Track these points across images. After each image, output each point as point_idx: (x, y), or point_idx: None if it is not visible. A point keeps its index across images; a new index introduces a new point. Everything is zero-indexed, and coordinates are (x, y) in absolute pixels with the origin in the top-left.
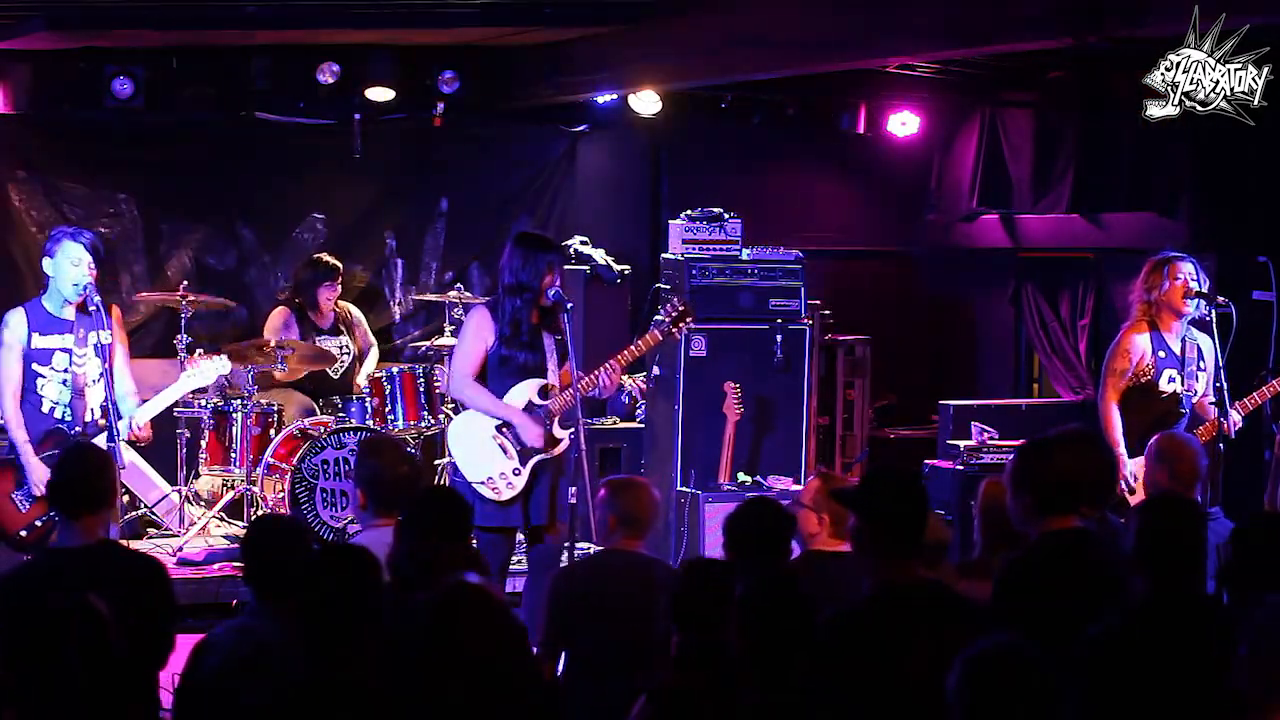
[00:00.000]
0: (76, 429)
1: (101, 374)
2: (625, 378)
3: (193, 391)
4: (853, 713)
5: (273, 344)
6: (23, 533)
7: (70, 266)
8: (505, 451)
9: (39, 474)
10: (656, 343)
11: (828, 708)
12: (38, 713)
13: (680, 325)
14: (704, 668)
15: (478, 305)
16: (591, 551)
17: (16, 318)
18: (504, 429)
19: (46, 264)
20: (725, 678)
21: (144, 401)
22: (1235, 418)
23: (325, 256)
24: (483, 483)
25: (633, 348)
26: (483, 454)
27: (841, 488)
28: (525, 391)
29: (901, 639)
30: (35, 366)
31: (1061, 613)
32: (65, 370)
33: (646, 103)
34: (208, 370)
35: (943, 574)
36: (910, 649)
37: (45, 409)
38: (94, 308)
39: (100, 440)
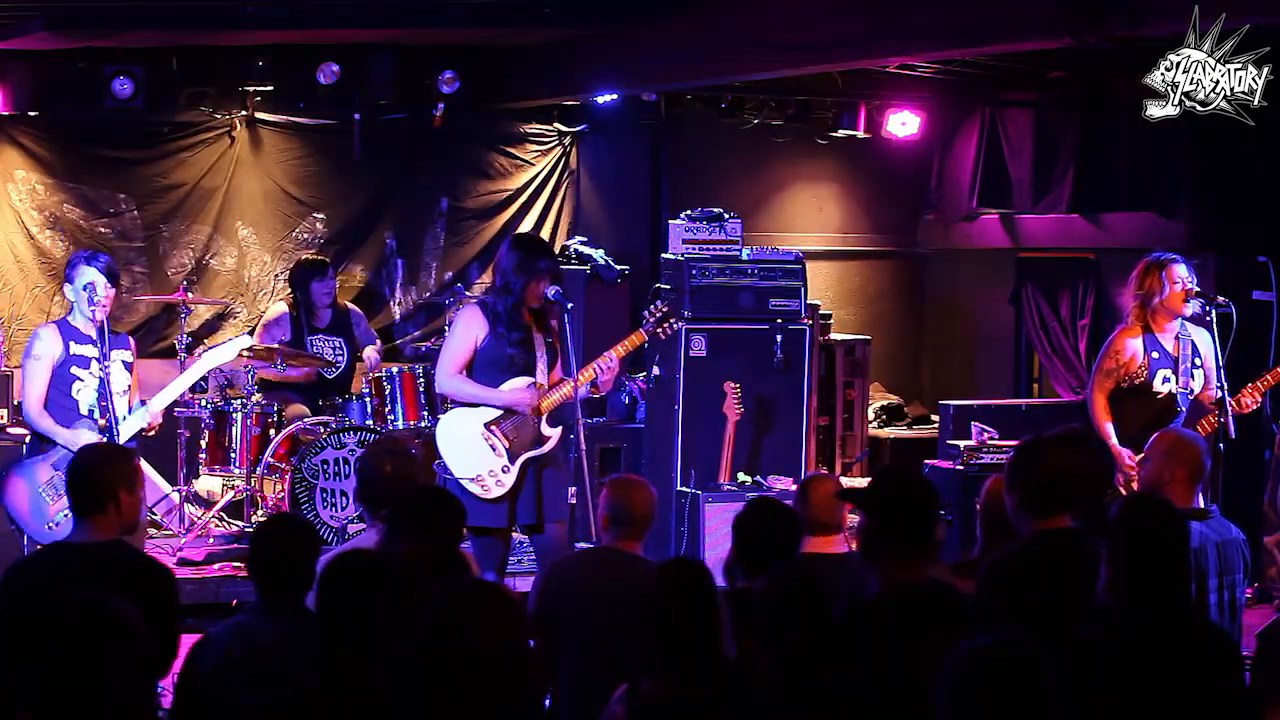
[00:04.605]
0: (102, 422)
1: (126, 389)
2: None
3: (193, 391)
4: (864, 710)
5: (260, 347)
6: (50, 525)
7: (81, 290)
8: (494, 449)
9: (84, 438)
10: (642, 341)
11: (841, 705)
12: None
13: (664, 326)
14: (684, 674)
15: (470, 302)
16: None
17: (49, 332)
18: (494, 425)
19: (66, 289)
20: (708, 684)
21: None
22: (1250, 400)
23: (312, 254)
24: (471, 480)
25: (618, 347)
26: (471, 451)
27: (832, 490)
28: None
29: (911, 639)
30: (75, 370)
31: (1047, 612)
32: (97, 377)
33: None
34: (228, 349)
35: (937, 573)
36: (919, 649)
37: (84, 411)
38: (109, 332)
39: None
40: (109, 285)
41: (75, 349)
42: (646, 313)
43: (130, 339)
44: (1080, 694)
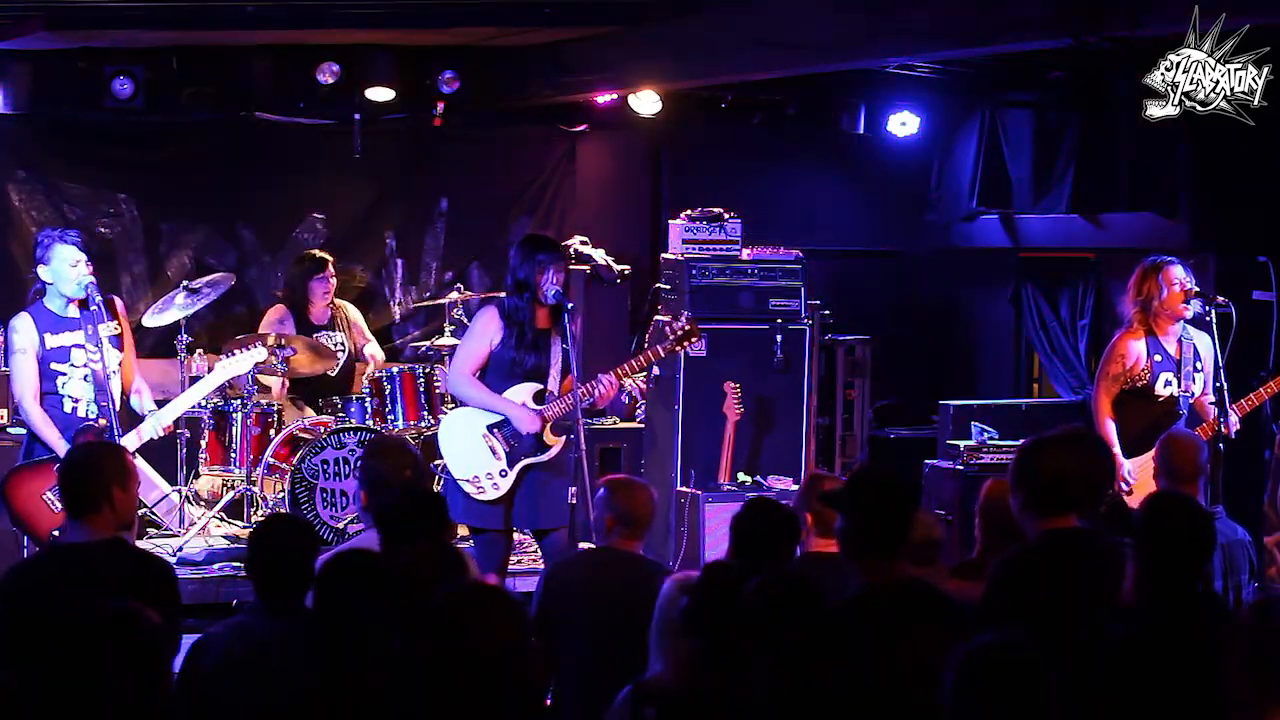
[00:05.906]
0: (102, 421)
1: (119, 366)
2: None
3: None
4: (840, 710)
5: (272, 338)
6: (55, 532)
7: (69, 268)
8: (494, 452)
9: None
10: (657, 359)
11: (820, 704)
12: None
13: (684, 345)
14: (715, 671)
15: (488, 304)
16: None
17: (24, 322)
18: (496, 429)
19: (42, 271)
20: (732, 681)
21: (161, 402)
22: (1233, 419)
23: (312, 251)
24: (467, 480)
25: (632, 362)
26: (471, 452)
27: (829, 489)
28: (520, 395)
29: (886, 638)
30: (55, 366)
31: (1054, 613)
32: (84, 365)
33: (646, 103)
34: (243, 360)
35: (934, 573)
36: (895, 648)
37: (68, 409)
38: (95, 306)
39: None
40: (88, 259)
41: (52, 341)
42: (667, 327)
43: (118, 301)
44: (1109, 692)
